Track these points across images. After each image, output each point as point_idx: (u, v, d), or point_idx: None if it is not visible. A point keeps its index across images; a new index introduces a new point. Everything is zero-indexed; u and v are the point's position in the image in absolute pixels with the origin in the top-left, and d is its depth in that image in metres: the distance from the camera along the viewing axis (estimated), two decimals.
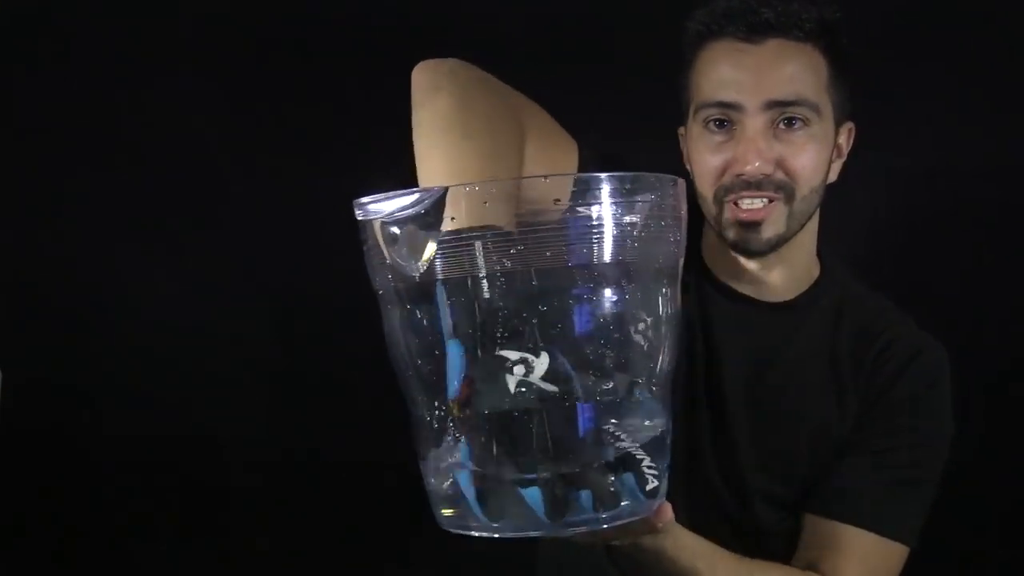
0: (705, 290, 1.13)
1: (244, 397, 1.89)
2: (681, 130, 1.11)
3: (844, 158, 1.11)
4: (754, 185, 1.01)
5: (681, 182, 0.74)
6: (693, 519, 1.08)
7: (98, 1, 1.85)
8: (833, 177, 1.10)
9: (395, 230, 0.67)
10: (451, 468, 0.68)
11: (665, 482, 0.73)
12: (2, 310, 1.84)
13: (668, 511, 0.77)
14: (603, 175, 0.66)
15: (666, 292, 0.72)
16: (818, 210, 1.11)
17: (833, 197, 1.11)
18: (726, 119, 1.02)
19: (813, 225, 1.11)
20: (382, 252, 0.69)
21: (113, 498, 1.88)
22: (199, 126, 1.86)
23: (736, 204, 1.03)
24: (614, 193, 0.65)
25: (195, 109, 1.86)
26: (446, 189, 0.64)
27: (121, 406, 1.86)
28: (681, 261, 0.76)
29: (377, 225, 0.68)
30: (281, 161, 1.85)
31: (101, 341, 1.87)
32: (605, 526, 0.69)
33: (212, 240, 1.88)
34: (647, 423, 0.69)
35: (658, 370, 0.72)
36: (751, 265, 1.10)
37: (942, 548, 1.15)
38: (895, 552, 1.06)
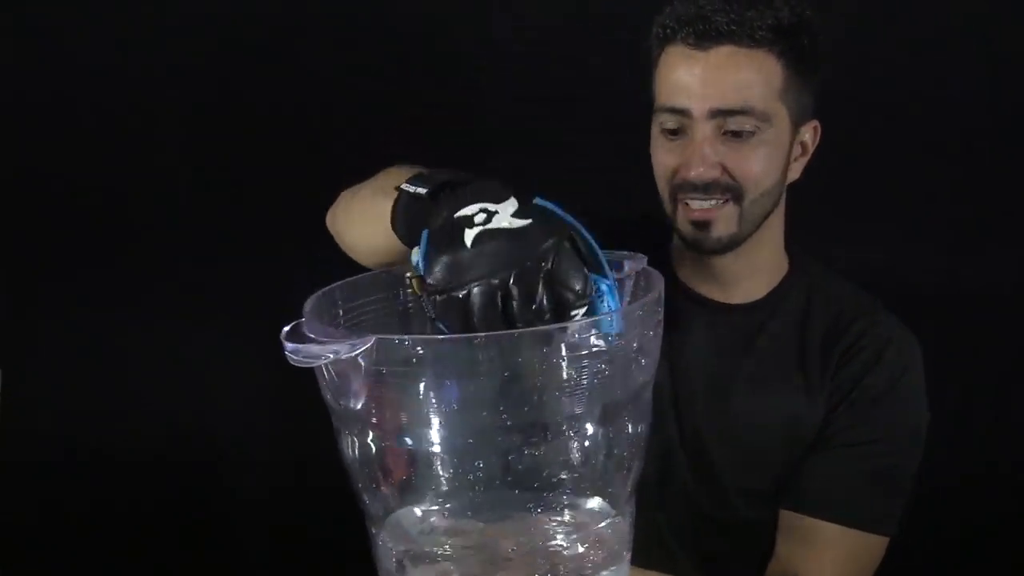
0: (670, 295, 1.10)
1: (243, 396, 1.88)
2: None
3: (809, 156, 1.10)
4: (701, 188, 1.03)
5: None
6: (672, 520, 1.11)
7: None
8: (795, 175, 1.10)
9: (327, 372, 0.66)
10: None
11: None
12: (2, 310, 1.82)
13: None
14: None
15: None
16: (782, 207, 1.11)
17: None
18: (678, 124, 1.03)
19: (776, 222, 1.11)
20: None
21: (113, 499, 1.88)
22: None
23: (687, 204, 1.05)
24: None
25: None
26: (374, 339, 0.63)
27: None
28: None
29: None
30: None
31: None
32: None
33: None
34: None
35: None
36: (716, 267, 1.10)
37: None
38: (875, 544, 1.07)
